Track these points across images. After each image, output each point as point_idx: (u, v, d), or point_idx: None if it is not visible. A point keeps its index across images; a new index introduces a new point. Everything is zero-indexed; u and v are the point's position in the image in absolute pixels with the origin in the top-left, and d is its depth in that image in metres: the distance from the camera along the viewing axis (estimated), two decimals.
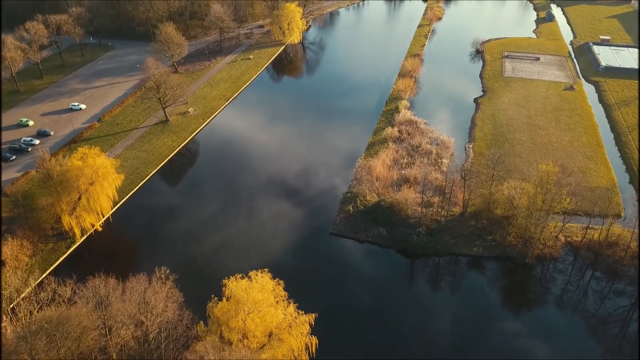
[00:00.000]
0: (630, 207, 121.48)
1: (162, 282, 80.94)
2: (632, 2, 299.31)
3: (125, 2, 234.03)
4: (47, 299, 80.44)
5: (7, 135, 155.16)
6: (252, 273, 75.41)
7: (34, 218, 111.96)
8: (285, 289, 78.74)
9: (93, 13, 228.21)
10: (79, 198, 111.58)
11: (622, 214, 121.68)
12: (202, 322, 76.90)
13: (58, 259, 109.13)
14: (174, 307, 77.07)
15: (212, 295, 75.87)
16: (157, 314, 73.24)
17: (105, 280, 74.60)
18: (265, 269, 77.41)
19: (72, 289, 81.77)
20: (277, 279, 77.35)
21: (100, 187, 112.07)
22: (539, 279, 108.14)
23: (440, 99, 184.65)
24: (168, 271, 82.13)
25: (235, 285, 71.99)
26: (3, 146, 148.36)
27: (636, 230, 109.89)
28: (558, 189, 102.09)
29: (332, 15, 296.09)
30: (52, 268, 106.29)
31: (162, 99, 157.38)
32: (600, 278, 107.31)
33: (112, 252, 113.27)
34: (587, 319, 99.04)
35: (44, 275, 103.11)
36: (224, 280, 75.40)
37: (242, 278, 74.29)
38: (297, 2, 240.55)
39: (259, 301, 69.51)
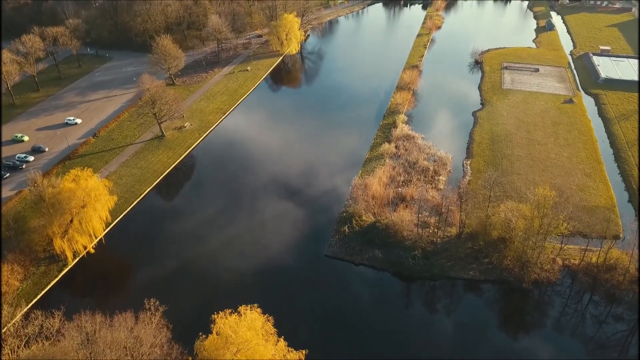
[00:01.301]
0: (629, 228, 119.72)
1: (151, 313, 79.69)
2: (633, 10, 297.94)
3: (122, 13, 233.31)
4: (34, 333, 79.14)
5: (2, 151, 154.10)
6: (241, 308, 74.05)
7: (26, 241, 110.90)
8: (276, 320, 77.41)
9: (90, 24, 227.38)
10: (71, 220, 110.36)
11: (621, 235, 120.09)
12: (190, 358, 75.61)
13: (49, 282, 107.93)
14: (162, 342, 75.77)
15: (200, 333, 74.49)
16: (143, 353, 71.93)
17: (92, 317, 73.29)
18: (255, 304, 75.96)
19: (60, 320, 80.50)
20: (267, 314, 75.95)
21: (92, 209, 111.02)
22: (536, 303, 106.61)
23: (439, 113, 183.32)
24: (157, 303, 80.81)
25: (223, 322, 70.70)
26: None
27: (635, 252, 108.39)
28: (555, 214, 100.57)
29: (332, 24, 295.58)
30: (42, 293, 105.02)
31: (157, 115, 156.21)
32: (598, 302, 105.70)
33: (104, 275, 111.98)
34: (584, 342, 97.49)
35: (34, 301, 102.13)
36: (213, 316, 73.98)
37: (231, 314, 72.86)
38: (295, 13, 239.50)
39: (247, 339, 68.23)
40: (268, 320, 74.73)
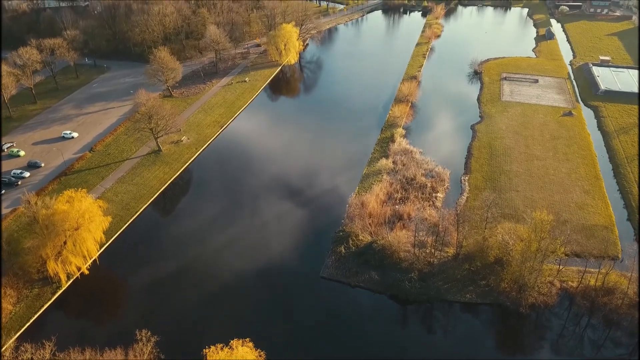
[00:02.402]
0: (627, 249, 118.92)
1: (142, 344, 78.81)
2: (634, 18, 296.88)
3: (120, 23, 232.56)
4: None
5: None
6: (233, 342, 73.08)
7: (19, 263, 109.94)
8: (270, 353, 76.50)
9: (88, 35, 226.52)
10: (65, 242, 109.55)
11: (620, 256, 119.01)
12: None
13: (43, 305, 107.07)
14: None
15: None
16: None
17: (82, 353, 72.32)
18: (247, 339, 74.99)
19: (51, 351, 79.63)
20: (259, 349, 75.01)
21: (86, 231, 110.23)
22: (533, 326, 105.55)
23: (437, 126, 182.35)
24: (149, 333, 79.85)
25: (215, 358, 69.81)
26: None
27: (634, 275, 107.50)
28: (552, 239, 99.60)
29: (331, 32, 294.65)
30: (35, 317, 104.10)
31: (154, 130, 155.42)
32: (597, 326, 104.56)
33: (98, 298, 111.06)
34: None
35: (26, 326, 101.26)
36: (204, 350, 73.05)
37: (222, 348, 71.93)
38: (294, 22, 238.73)
39: None
40: (260, 356, 73.72)
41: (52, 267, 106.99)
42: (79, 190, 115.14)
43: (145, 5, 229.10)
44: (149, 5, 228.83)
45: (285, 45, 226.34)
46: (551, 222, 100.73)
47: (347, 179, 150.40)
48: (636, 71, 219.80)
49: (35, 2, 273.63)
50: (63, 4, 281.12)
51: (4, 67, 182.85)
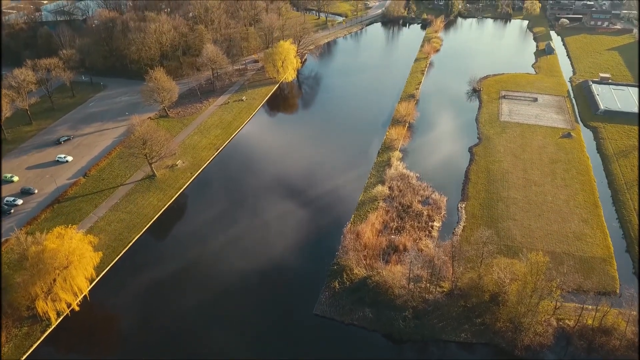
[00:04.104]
0: (626, 282, 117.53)
1: None
2: (634, 31, 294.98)
3: (117, 40, 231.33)
4: None
5: None
6: None
7: (8, 300, 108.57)
8: None
9: (84, 53, 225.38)
10: (55, 280, 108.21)
11: (617, 291, 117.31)
12: None
13: (32, 345, 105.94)
14: None
15: None
16: None
17: None
18: None
19: None
20: None
21: (75, 269, 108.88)
22: None
23: (434, 148, 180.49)
24: None
25: None
26: None
27: (633, 314, 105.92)
28: (548, 281, 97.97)
29: (330, 45, 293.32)
30: (24, 358, 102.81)
31: (148, 156, 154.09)
32: None
33: (88, 336, 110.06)
34: None
35: None
36: None
37: None
38: (291, 40, 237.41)
39: None
40: None
41: (42, 306, 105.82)
42: (69, 226, 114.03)
43: (142, 23, 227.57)
44: (146, 23, 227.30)
45: (282, 62, 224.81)
46: (547, 262, 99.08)
47: (343, 206, 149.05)
48: (636, 89, 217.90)
49: (32, 16, 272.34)
50: (60, 18, 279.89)
51: None
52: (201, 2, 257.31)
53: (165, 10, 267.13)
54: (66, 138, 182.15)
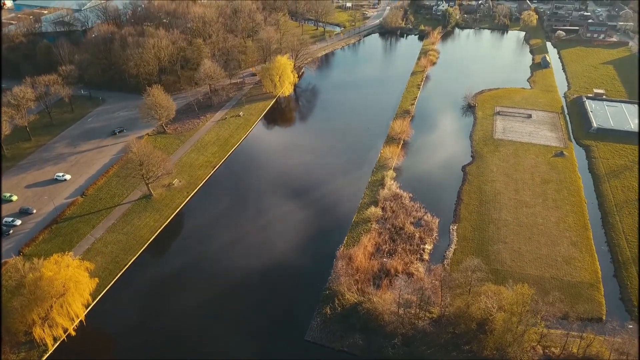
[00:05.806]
0: (612, 308, 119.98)
1: None
2: (630, 44, 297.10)
3: (116, 54, 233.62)
4: None
5: None
6: None
7: (5, 327, 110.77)
8: None
9: (83, 68, 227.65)
10: (51, 306, 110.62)
11: (604, 317, 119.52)
12: None
13: None
14: None
15: None
16: None
17: None
18: None
19: None
20: None
21: (71, 296, 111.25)
22: None
23: (428, 166, 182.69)
24: None
25: None
26: None
27: (618, 340, 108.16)
28: (533, 313, 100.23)
29: (327, 57, 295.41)
30: None
31: (144, 176, 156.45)
32: None
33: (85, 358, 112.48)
34: None
35: None
36: None
37: None
38: (288, 55, 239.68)
39: None
40: None
41: (39, 332, 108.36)
42: (66, 253, 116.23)
43: (140, 38, 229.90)
44: (144, 38, 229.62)
45: (279, 77, 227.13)
46: (532, 295, 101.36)
47: (336, 227, 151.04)
48: (630, 105, 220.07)
49: (32, 28, 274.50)
50: (60, 29, 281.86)
51: None
52: (199, 16, 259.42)
53: (165, 20, 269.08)
54: (120, 129, 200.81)
